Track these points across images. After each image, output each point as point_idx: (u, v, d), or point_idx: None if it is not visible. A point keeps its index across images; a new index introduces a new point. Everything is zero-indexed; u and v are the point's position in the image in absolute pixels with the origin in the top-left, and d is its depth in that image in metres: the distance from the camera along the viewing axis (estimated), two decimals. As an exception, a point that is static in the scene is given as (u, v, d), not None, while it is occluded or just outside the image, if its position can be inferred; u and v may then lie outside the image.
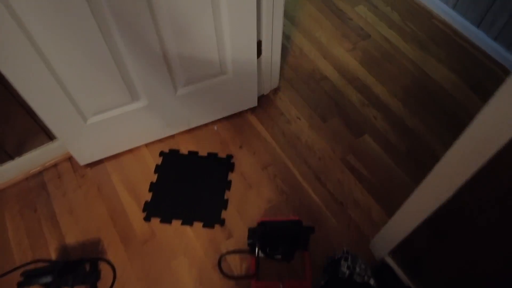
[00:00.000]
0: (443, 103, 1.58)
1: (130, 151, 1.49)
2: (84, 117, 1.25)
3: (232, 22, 1.16)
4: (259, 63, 1.45)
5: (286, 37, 1.81)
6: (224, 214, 1.33)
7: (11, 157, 1.35)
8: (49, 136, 1.39)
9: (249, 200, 1.36)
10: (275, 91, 1.65)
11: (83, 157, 1.42)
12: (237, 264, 1.25)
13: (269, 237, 1.13)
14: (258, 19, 1.27)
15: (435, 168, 0.83)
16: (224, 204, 1.35)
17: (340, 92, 1.63)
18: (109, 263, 1.26)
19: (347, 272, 1.16)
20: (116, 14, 0.99)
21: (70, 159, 1.48)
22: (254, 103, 1.56)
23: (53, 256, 1.28)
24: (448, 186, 0.81)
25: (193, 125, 1.52)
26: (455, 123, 1.52)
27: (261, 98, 1.61)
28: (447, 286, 0.99)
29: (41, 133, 1.35)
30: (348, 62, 1.73)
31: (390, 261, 1.20)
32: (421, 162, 1.43)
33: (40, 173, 1.46)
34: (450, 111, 1.56)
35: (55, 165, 1.47)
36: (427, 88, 1.63)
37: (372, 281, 1.16)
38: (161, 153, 1.47)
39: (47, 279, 1.03)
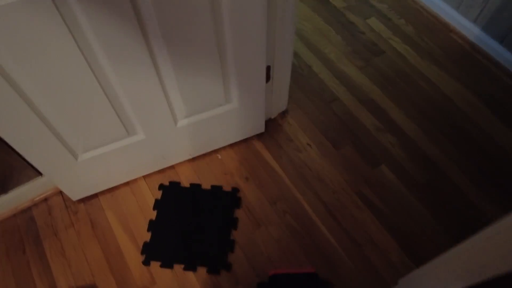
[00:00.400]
0: (463, 128, 1.47)
1: (126, 183, 1.37)
2: (75, 154, 1.13)
3: (238, 49, 1.04)
4: (267, 87, 1.32)
5: (293, 54, 1.68)
6: (230, 258, 1.22)
7: (-5, 196, 1.23)
8: (38, 171, 1.26)
9: (257, 241, 1.25)
10: (283, 114, 1.53)
11: (75, 193, 1.30)
12: (245, 315, 1.14)
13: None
14: (268, 44, 1.15)
15: (487, 231, 0.70)
16: (231, 246, 1.23)
17: (353, 115, 1.52)
18: (105, 314, 1.15)
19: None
20: (106, 47, 0.87)
21: (61, 193, 1.36)
22: (261, 129, 1.44)
23: (44, 306, 1.17)
24: (498, 259, 0.69)
25: (194, 155, 1.40)
26: (476, 150, 1.41)
27: (268, 123, 1.49)
28: None
29: (28, 168, 1.23)
30: (361, 81, 1.61)
31: (414, 313, 1.09)
32: (442, 196, 1.32)
33: (29, 208, 1.34)
34: (471, 138, 1.44)
35: (45, 200, 1.35)
36: (446, 111, 1.51)
37: (394, 337, 1.06)
38: (161, 186, 1.35)
39: None
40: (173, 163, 1.39)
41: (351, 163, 1.40)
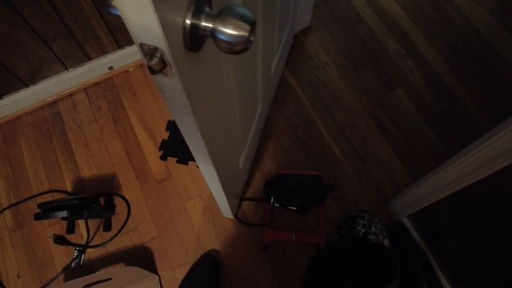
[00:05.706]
0: (489, 64, 1.44)
1: (147, 85, 1.42)
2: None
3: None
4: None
5: (322, -30, 1.62)
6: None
7: (25, 85, 1.30)
8: (65, 66, 1.32)
9: (268, 148, 1.32)
10: (306, 31, 1.51)
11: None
12: (251, 211, 1.24)
13: (286, 191, 1.10)
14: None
15: (479, 142, 0.75)
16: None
17: (377, 38, 1.49)
18: (124, 199, 1.26)
19: (362, 231, 1.15)
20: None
21: (85, 89, 1.43)
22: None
23: (69, 187, 1.29)
24: (489, 165, 0.74)
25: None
26: (499, 88, 1.40)
27: (289, 39, 1.49)
28: (466, 260, 0.97)
29: (56, 62, 1.28)
30: (389, 4, 1.56)
31: (407, 223, 1.17)
32: (454, 126, 1.34)
33: (55, 102, 1.41)
34: (496, 75, 1.42)
35: (70, 95, 1.42)
36: (474, 45, 1.47)
37: (386, 242, 1.15)
38: (180, 91, 1.40)
39: (63, 214, 1.03)
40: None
41: (368, 85, 1.41)
